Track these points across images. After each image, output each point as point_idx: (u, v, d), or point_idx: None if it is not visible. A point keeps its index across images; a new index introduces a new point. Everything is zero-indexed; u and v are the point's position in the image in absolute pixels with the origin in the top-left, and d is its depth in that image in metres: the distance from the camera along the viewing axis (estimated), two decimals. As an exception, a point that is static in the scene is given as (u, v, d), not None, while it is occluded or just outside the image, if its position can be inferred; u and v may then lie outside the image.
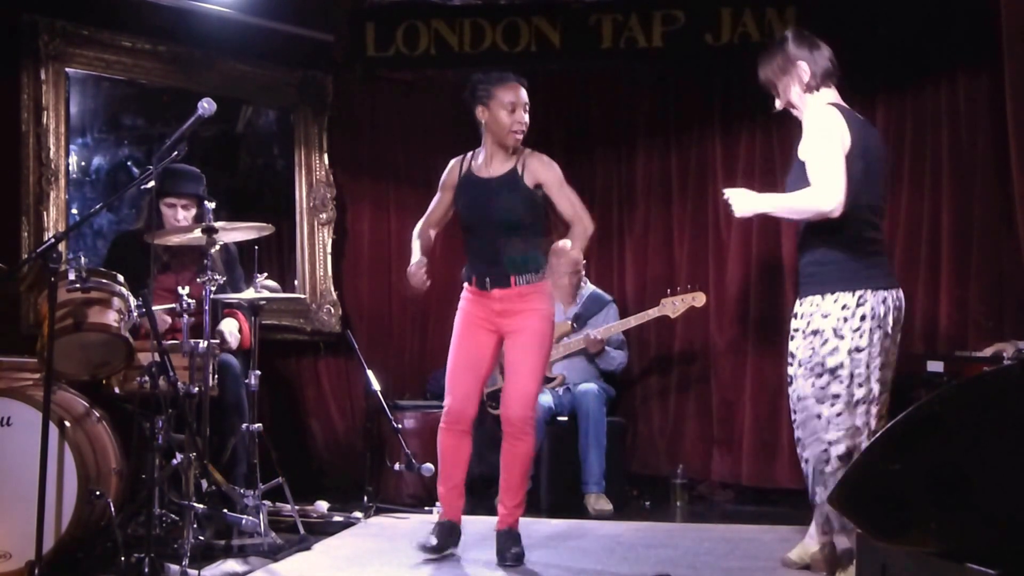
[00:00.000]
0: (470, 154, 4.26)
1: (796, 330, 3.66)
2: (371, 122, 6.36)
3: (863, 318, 3.51)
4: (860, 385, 3.53)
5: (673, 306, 5.52)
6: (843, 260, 3.58)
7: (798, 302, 3.70)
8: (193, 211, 4.67)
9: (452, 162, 4.31)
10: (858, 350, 3.51)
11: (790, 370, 3.70)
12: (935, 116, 5.37)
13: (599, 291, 5.88)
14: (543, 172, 4.11)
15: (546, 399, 5.48)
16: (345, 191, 6.23)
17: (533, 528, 4.58)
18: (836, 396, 3.53)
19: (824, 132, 3.54)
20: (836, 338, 3.52)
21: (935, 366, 4.49)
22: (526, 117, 4.09)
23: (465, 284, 4.24)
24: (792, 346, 3.68)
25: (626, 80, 6.35)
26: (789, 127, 5.65)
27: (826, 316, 3.54)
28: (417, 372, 6.39)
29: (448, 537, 4.20)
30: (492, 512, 4.86)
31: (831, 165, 3.49)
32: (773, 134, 5.84)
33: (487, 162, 4.16)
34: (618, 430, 5.76)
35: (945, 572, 2.15)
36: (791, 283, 5.75)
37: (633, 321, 5.65)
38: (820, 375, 3.56)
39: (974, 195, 5.23)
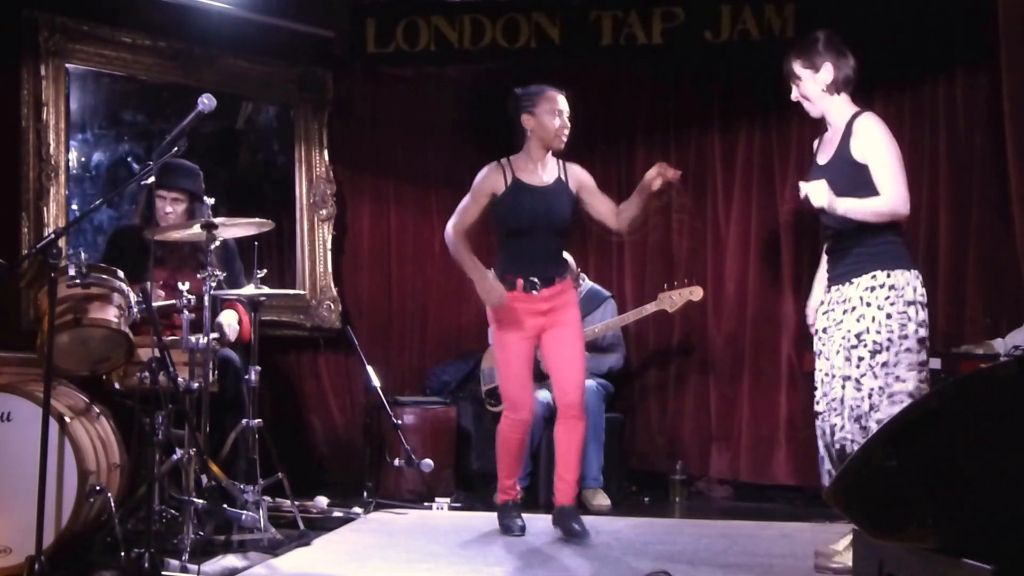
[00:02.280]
0: (506, 162, 4.44)
1: (887, 300, 3.70)
2: (371, 118, 6.36)
3: (924, 293, 3.77)
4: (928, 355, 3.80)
5: (671, 300, 5.50)
6: (906, 243, 3.85)
7: (873, 275, 3.71)
8: (184, 206, 4.65)
9: (488, 170, 4.46)
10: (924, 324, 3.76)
11: (867, 337, 3.69)
12: (932, 113, 5.38)
13: (597, 287, 5.89)
14: (584, 177, 4.51)
15: (544, 396, 5.49)
16: (345, 187, 6.23)
17: (532, 523, 4.59)
18: (923, 363, 3.73)
19: (890, 143, 3.80)
20: (922, 310, 3.72)
21: (932, 363, 4.48)
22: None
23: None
24: (873, 313, 3.69)
25: (626, 77, 6.36)
26: (787, 124, 5.70)
27: (915, 289, 3.72)
28: (417, 368, 6.40)
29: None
30: (492, 508, 4.87)
31: (900, 173, 3.75)
32: (772, 131, 5.85)
33: (537, 170, 4.43)
34: (616, 426, 5.77)
35: (942, 567, 2.16)
36: (789, 278, 5.76)
37: (631, 317, 5.64)
38: (914, 343, 3.69)
39: (971, 192, 5.24)
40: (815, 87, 3.83)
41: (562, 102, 4.40)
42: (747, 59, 5.72)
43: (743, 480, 5.83)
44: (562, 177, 4.46)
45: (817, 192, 3.73)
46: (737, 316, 5.91)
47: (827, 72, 3.80)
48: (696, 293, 5.49)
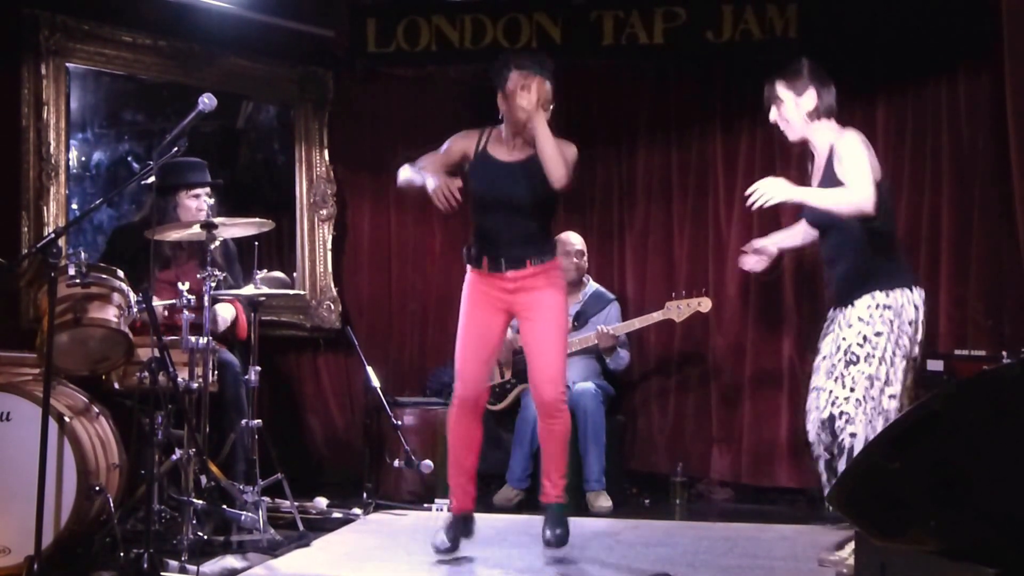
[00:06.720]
0: (488, 130, 4.12)
1: (883, 319, 3.74)
2: (372, 118, 6.36)
3: (924, 311, 3.84)
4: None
5: (678, 310, 5.49)
6: (904, 261, 3.95)
7: (872, 295, 3.76)
8: (211, 201, 4.71)
9: (467, 131, 4.15)
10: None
11: (859, 351, 3.74)
12: (935, 115, 5.37)
13: (602, 289, 5.87)
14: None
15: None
16: (345, 187, 6.23)
17: (533, 524, 4.58)
18: (908, 382, 3.81)
19: (860, 150, 3.78)
20: (919, 329, 3.79)
21: (935, 365, 4.50)
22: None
23: (469, 267, 4.13)
24: (863, 329, 3.75)
25: (627, 77, 6.35)
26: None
27: (916, 308, 3.78)
28: (417, 369, 6.39)
29: (461, 533, 4.12)
30: (491, 509, 4.88)
31: (865, 173, 3.73)
32: (774, 132, 5.79)
33: (507, 145, 4.06)
34: (618, 428, 5.76)
35: (944, 571, 2.15)
36: (791, 282, 5.75)
37: (638, 323, 5.62)
38: (905, 360, 3.75)
39: (974, 194, 5.24)
40: (796, 112, 3.89)
41: (534, 89, 3.95)
42: (749, 59, 5.71)
43: (744, 482, 5.81)
44: (536, 156, 3.96)
45: (773, 187, 3.77)
46: (739, 318, 5.90)
47: (810, 99, 3.85)
48: (705, 304, 5.48)
